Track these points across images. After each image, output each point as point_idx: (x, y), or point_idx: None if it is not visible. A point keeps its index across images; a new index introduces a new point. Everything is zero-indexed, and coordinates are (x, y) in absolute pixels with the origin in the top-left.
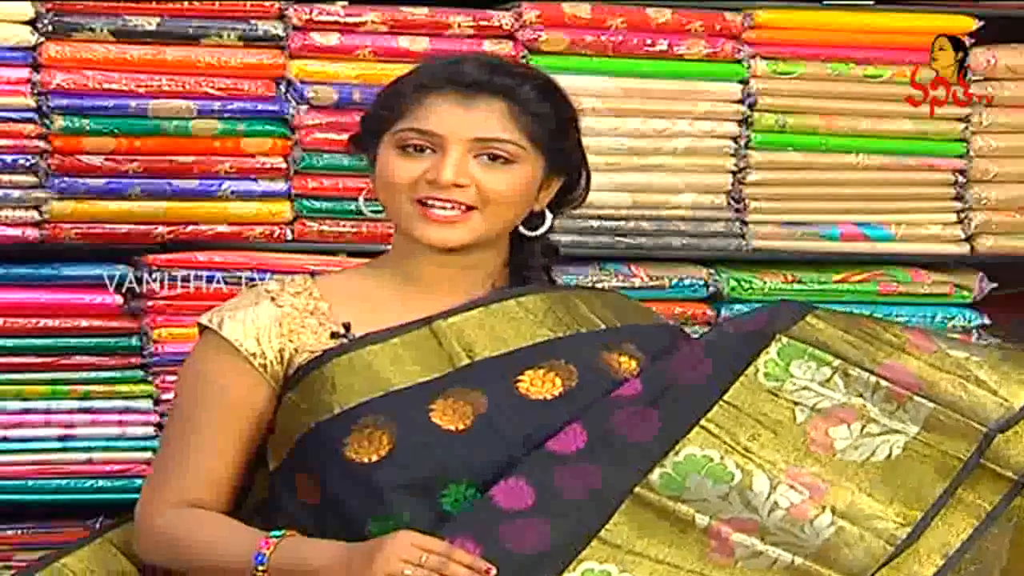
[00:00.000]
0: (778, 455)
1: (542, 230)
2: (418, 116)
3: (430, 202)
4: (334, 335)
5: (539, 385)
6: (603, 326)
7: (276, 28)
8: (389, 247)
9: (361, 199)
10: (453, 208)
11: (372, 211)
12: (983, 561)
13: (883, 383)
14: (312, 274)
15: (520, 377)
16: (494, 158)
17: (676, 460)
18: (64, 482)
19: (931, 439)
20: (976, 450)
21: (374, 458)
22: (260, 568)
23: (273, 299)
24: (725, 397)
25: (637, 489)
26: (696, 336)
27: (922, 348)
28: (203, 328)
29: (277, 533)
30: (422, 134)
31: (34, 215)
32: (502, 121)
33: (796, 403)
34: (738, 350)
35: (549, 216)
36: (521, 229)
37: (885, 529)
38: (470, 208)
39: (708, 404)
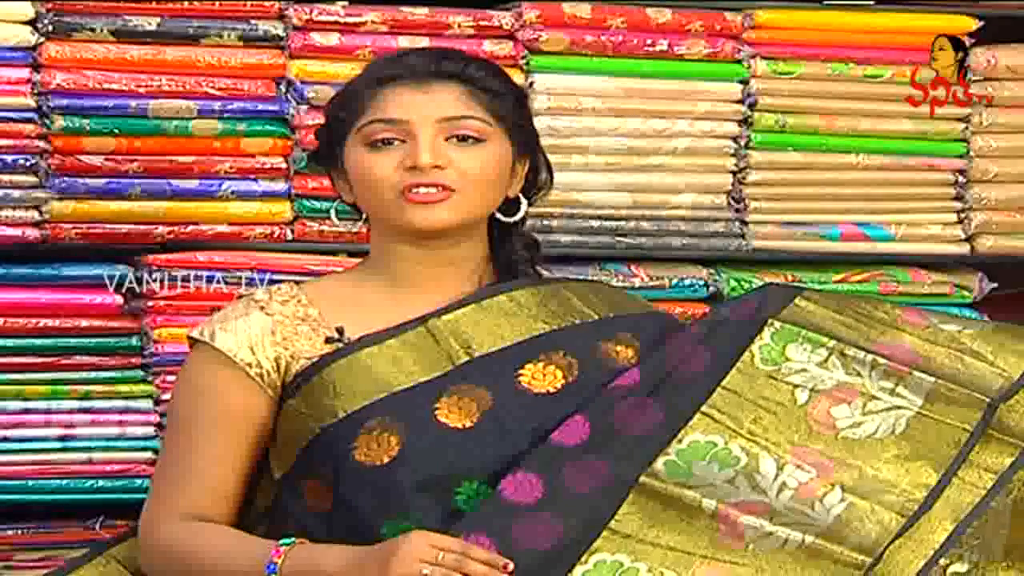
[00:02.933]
0: (782, 436)
1: (519, 215)
2: (378, 108)
3: (413, 189)
4: (329, 340)
5: (541, 378)
6: (595, 317)
7: (276, 28)
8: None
9: (332, 210)
10: (437, 190)
11: (345, 216)
12: (983, 537)
13: (881, 360)
14: (298, 281)
15: (521, 371)
16: (464, 139)
17: (680, 448)
18: (64, 482)
19: (936, 411)
20: (982, 420)
21: (385, 460)
22: None
23: (263, 308)
24: (724, 384)
25: (643, 478)
26: (689, 324)
27: (914, 324)
28: (194, 341)
29: (287, 541)
30: (388, 123)
31: (34, 215)
32: (462, 100)
33: (796, 385)
34: (733, 336)
35: (524, 202)
36: (499, 216)
37: (896, 502)
38: (451, 190)
39: (708, 391)
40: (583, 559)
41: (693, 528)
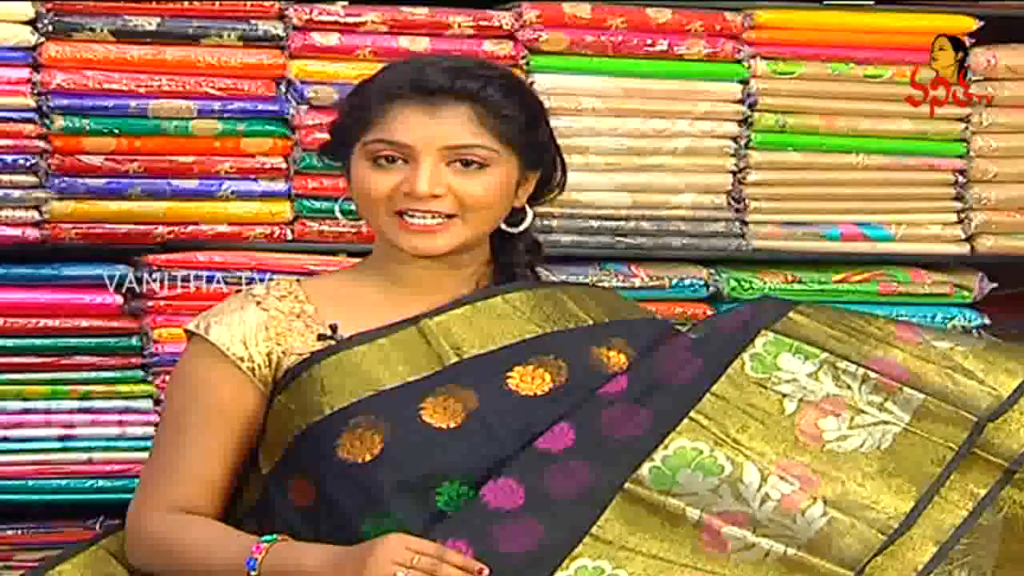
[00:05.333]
0: (768, 447)
1: (524, 226)
2: (385, 126)
3: (409, 214)
4: (321, 337)
5: (529, 381)
6: (591, 321)
7: (276, 28)
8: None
9: (337, 207)
10: (433, 217)
11: (349, 216)
12: (974, 554)
13: (872, 375)
14: (298, 278)
15: (510, 374)
16: (467, 163)
17: (666, 454)
18: (64, 482)
19: (922, 428)
20: (968, 438)
21: (367, 457)
22: (252, 573)
23: (259, 303)
24: (713, 390)
25: (627, 485)
26: (683, 331)
27: (907, 340)
28: (190, 334)
29: (269, 538)
30: (391, 145)
31: (34, 215)
32: (470, 127)
33: (785, 395)
34: (724, 345)
35: (530, 212)
36: (503, 227)
37: (877, 518)
38: (450, 216)
39: (697, 396)
40: (564, 564)
41: (676, 536)
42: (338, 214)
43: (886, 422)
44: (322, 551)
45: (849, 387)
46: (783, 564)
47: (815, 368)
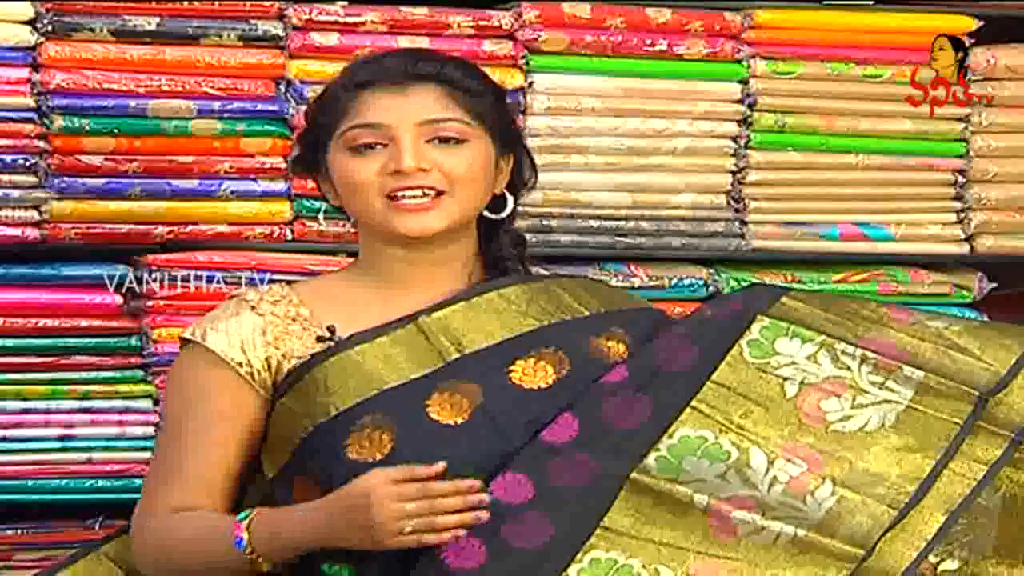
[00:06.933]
0: (772, 431)
1: (507, 212)
2: (358, 113)
3: (399, 194)
4: (320, 339)
5: (531, 375)
6: (587, 312)
7: (276, 28)
8: None
9: (321, 215)
10: (423, 195)
11: (329, 218)
12: (973, 534)
13: (870, 355)
14: (290, 282)
15: (512, 367)
16: (445, 140)
17: (671, 443)
18: (64, 482)
19: (926, 404)
20: (972, 413)
21: (378, 456)
22: (246, 553)
23: (253, 308)
24: (713, 377)
25: (634, 475)
26: (677, 320)
27: (901, 320)
28: (186, 342)
29: (242, 516)
30: (369, 127)
31: (34, 215)
32: (441, 102)
33: (785, 378)
34: (721, 332)
35: (511, 198)
36: (487, 214)
37: (887, 494)
38: (440, 193)
39: (697, 385)
40: (578, 557)
41: (685, 523)
42: (321, 218)
43: (889, 400)
44: (303, 517)
45: (848, 368)
46: (794, 546)
47: (813, 350)
